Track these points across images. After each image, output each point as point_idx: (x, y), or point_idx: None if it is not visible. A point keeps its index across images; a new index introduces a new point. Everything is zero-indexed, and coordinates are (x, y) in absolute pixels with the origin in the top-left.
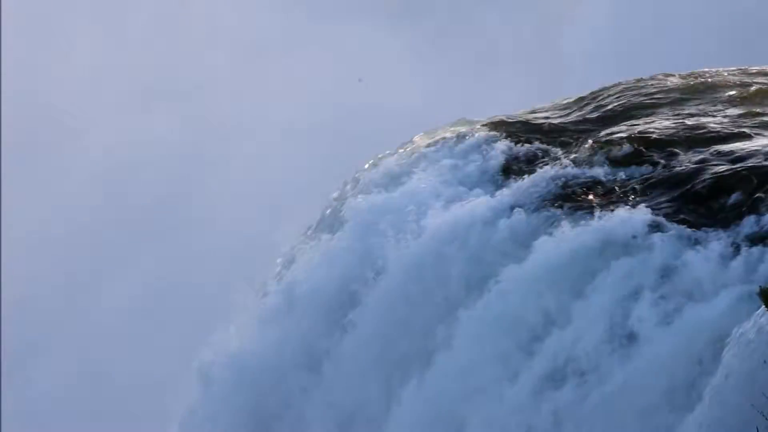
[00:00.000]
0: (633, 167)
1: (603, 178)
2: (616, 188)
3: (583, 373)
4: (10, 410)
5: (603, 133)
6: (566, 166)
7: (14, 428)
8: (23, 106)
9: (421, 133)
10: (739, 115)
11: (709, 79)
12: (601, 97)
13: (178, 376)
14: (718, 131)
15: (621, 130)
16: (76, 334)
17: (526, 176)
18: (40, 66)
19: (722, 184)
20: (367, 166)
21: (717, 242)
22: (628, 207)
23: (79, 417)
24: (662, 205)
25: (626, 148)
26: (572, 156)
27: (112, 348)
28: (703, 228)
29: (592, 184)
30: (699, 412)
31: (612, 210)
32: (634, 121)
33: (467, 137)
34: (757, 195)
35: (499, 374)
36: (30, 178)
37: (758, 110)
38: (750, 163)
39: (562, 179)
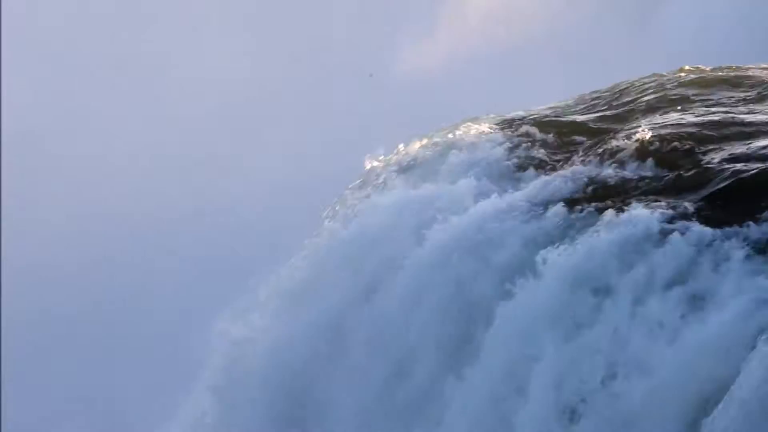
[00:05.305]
0: (656, 166)
1: (622, 177)
2: (636, 187)
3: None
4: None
5: (625, 130)
6: (587, 164)
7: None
8: None
9: (439, 129)
10: None
11: (743, 74)
12: (625, 93)
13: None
14: (748, 128)
15: (642, 127)
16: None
17: (544, 175)
18: None
19: (750, 183)
20: (389, 157)
21: (745, 241)
22: (650, 206)
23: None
24: (686, 204)
25: (649, 146)
26: (591, 155)
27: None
28: (730, 228)
29: (611, 183)
30: (724, 411)
31: (634, 209)
32: (656, 118)
33: (486, 134)
34: None
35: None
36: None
37: None
38: None
39: (583, 178)
